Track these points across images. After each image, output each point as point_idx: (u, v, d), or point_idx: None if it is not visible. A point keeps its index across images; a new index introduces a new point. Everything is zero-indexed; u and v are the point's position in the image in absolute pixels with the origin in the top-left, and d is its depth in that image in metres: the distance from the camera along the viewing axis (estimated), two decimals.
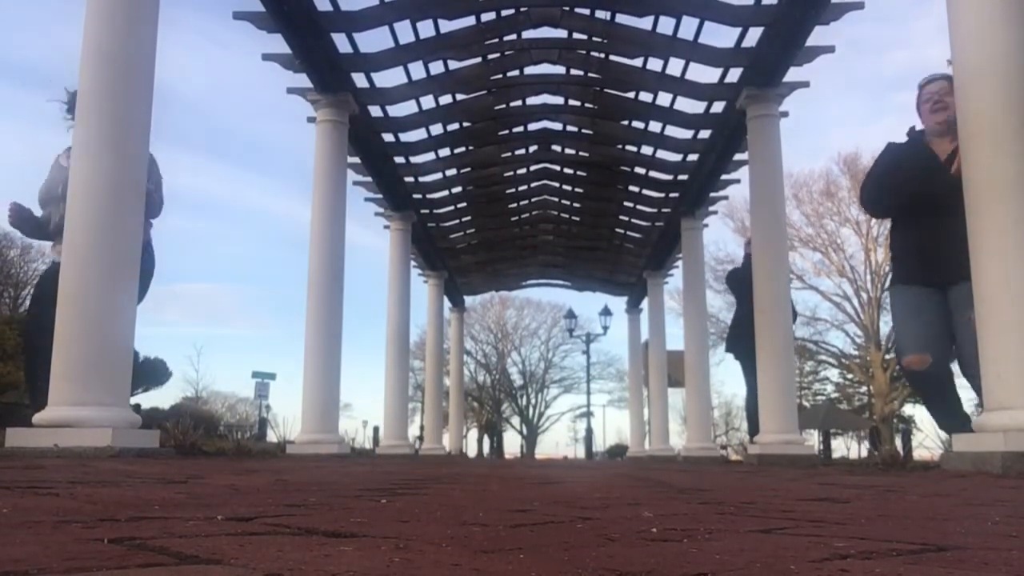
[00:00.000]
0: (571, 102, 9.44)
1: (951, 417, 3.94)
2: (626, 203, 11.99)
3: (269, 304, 65.79)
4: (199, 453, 4.77)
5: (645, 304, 15.03)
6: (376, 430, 22.82)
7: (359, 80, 7.83)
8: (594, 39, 8.03)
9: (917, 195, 3.83)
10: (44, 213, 4.43)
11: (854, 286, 29.62)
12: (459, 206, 12.18)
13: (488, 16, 7.56)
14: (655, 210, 11.73)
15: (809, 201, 30.01)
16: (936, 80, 3.96)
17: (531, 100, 9.44)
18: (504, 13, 7.59)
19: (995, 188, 3.44)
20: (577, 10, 7.59)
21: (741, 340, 7.07)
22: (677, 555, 0.86)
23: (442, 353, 15.59)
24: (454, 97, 8.90)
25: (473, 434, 40.64)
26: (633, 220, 12.48)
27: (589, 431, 27.62)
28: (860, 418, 31.46)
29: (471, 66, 8.34)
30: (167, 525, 1.05)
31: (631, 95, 8.89)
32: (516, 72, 8.77)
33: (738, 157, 8.87)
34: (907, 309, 3.87)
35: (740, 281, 7.30)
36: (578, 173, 11.48)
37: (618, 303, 18.98)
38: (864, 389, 32.89)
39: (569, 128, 10.11)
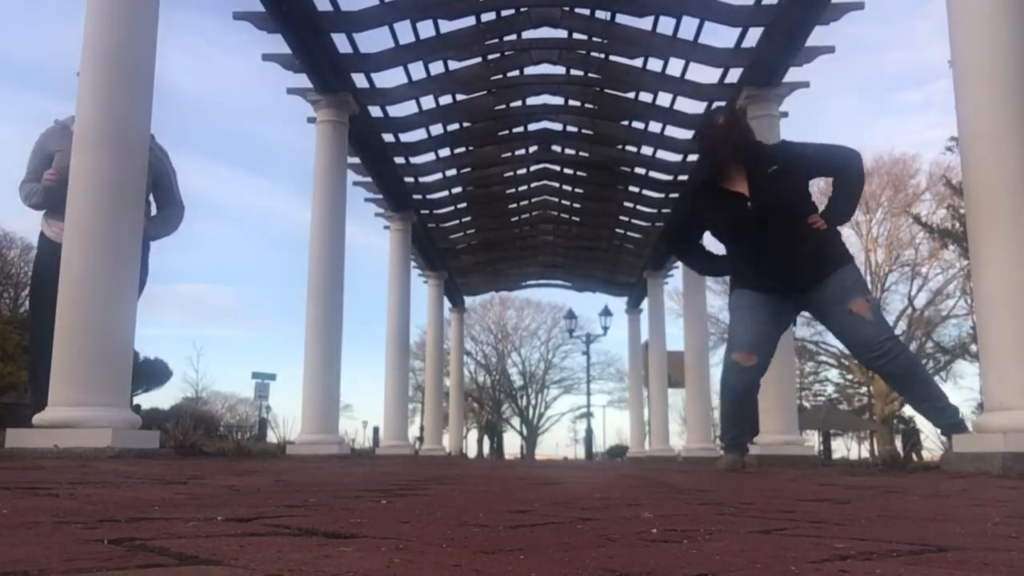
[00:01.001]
0: (571, 102, 9.44)
1: (745, 418, 4.13)
2: (626, 203, 11.99)
3: (269, 304, 65.85)
4: (199, 454, 4.77)
5: (645, 304, 15.03)
6: (376, 430, 22.84)
7: (359, 80, 7.83)
8: (594, 39, 8.03)
9: (736, 234, 4.00)
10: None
11: None
12: (459, 206, 12.18)
13: (488, 16, 7.56)
14: (655, 210, 11.73)
15: None
16: (722, 113, 4.13)
17: (531, 100, 9.44)
18: (504, 13, 7.59)
19: (995, 189, 3.44)
20: (577, 10, 7.59)
21: None
22: (677, 556, 0.86)
23: (442, 353, 15.59)
24: (454, 97, 8.90)
25: (473, 435, 40.64)
26: (633, 220, 12.48)
27: (589, 432, 27.65)
28: (860, 419, 31.46)
29: (471, 66, 8.34)
30: (167, 526, 1.05)
31: (631, 95, 8.89)
32: (516, 72, 8.77)
33: None
34: (748, 309, 3.98)
35: None
36: (578, 173, 11.48)
37: (618, 303, 19.00)
38: (864, 390, 32.88)
39: (569, 128, 10.11)
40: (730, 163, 3.90)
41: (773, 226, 3.79)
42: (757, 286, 3.96)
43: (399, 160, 9.88)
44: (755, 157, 3.90)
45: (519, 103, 9.48)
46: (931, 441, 4.87)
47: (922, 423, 4.53)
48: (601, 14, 7.53)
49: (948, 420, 3.73)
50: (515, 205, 12.71)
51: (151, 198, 4.45)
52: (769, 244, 3.84)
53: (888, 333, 3.85)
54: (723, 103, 8.14)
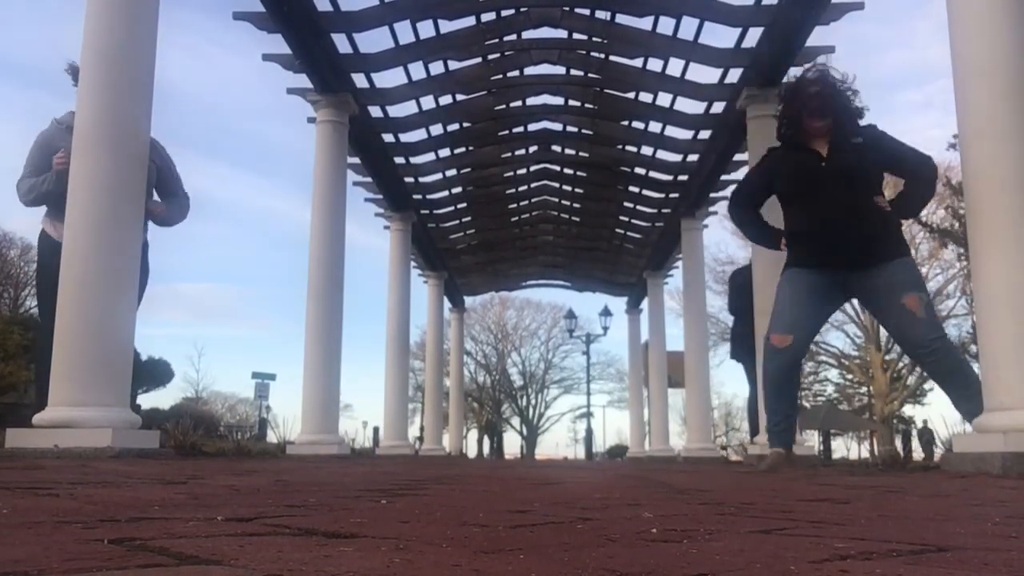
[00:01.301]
0: (571, 102, 9.45)
1: (788, 403, 4.01)
2: (626, 203, 12.00)
3: (269, 304, 65.91)
4: (199, 453, 4.77)
5: (645, 304, 15.03)
6: (376, 430, 22.82)
7: (359, 80, 7.83)
8: (594, 39, 8.04)
9: (802, 190, 3.92)
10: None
11: None
12: (459, 206, 12.19)
13: (488, 16, 7.56)
14: (655, 210, 11.74)
15: None
16: (817, 81, 3.98)
17: (531, 100, 9.45)
18: (504, 13, 7.59)
19: (995, 188, 3.44)
20: (577, 10, 7.60)
21: (745, 340, 7.01)
22: (677, 556, 0.86)
23: (442, 353, 15.59)
24: (454, 97, 8.90)
25: (473, 435, 40.63)
26: (633, 220, 12.49)
27: (589, 432, 27.64)
28: (860, 419, 31.45)
29: (471, 66, 8.35)
30: (167, 526, 1.05)
31: (631, 95, 8.90)
32: (516, 72, 8.78)
33: (738, 157, 8.87)
34: (791, 290, 3.95)
35: (749, 280, 7.19)
36: (578, 173, 11.49)
37: (618, 303, 18.99)
38: (864, 390, 32.87)
39: (569, 128, 10.12)
40: (823, 124, 3.86)
41: (842, 193, 3.74)
42: (812, 261, 3.87)
43: (399, 160, 9.88)
44: (846, 122, 3.88)
45: (519, 103, 9.48)
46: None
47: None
48: (601, 14, 7.54)
49: (980, 409, 3.68)
50: (515, 205, 12.71)
51: (154, 193, 4.42)
52: (834, 211, 3.76)
53: (938, 332, 3.76)
54: (721, 102, 8.15)
